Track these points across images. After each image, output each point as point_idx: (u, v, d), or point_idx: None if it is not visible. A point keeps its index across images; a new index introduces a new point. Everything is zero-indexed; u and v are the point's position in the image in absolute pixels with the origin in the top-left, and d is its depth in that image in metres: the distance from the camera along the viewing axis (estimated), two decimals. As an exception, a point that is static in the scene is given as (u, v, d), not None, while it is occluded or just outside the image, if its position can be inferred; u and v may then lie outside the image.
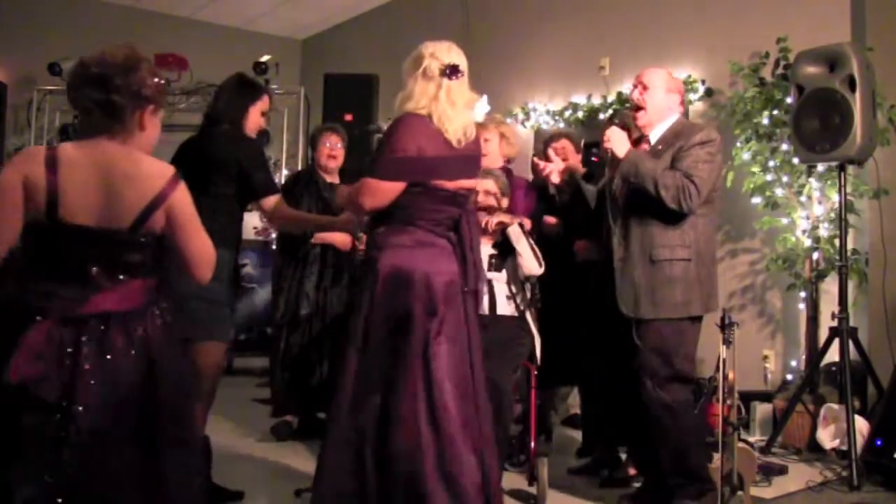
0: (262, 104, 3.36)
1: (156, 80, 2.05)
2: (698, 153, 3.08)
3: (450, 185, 2.58)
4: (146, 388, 1.96)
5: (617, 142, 3.19)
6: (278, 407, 4.52)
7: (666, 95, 3.24)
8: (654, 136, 3.25)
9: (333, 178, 4.53)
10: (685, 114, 3.70)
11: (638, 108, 3.26)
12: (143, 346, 1.96)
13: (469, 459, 2.44)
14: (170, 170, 2.05)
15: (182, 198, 2.05)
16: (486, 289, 3.55)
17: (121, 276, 1.97)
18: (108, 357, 1.90)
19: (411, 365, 2.47)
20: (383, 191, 2.53)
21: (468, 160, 2.63)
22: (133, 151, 2.01)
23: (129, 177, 1.96)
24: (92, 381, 1.88)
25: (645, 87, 3.23)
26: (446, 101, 2.52)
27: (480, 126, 3.75)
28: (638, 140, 3.32)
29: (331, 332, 4.28)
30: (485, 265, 3.59)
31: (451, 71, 2.53)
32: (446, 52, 2.57)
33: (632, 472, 3.63)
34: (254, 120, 3.33)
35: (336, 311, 4.35)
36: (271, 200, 3.22)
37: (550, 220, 4.01)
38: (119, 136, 2.00)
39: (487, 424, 2.61)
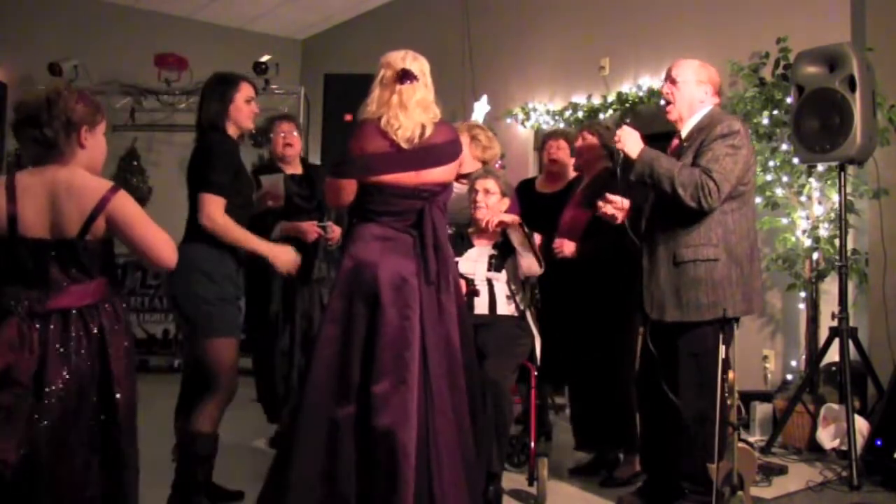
0: (242, 94, 3.19)
1: (82, 103, 2.32)
2: (719, 147, 2.98)
3: (407, 180, 2.70)
4: (102, 372, 2.30)
5: (629, 142, 3.11)
6: (268, 413, 4.36)
7: (696, 87, 3.13)
8: (686, 130, 3.16)
9: (294, 168, 4.26)
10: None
11: (668, 102, 3.19)
12: (98, 335, 2.30)
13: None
14: (106, 184, 2.32)
15: (121, 204, 2.30)
16: (486, 288, 3.57)
17: (76, 278, 2.30)
18: (70, 345, 2.25)
19: (358, 353, 2.62)
20: (337, 187, 2.75)
21: (427, 153, 2.72)
22: (74, 171, 2.31)
23: (70, 194, 2.27)
24: (56, 367, 2.23)
25: (673, 82, 3.16)
26: (398, 104, 2.69)
27: None
28: (669, 135, 3.22)
29: (304, 331, 4.15)
30: (485, 265, 3.61)
31: (403, 76, 2.71)
32: (400, 60, 2.75)
33: (637, 468, 3.61)
34: (239, 114, 3.18)
35: (306, 308, 4.17)
36: (214, 199, 3.00)
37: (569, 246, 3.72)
38: (61, 161, 2.31)
39: (451, 428, 2.61)
